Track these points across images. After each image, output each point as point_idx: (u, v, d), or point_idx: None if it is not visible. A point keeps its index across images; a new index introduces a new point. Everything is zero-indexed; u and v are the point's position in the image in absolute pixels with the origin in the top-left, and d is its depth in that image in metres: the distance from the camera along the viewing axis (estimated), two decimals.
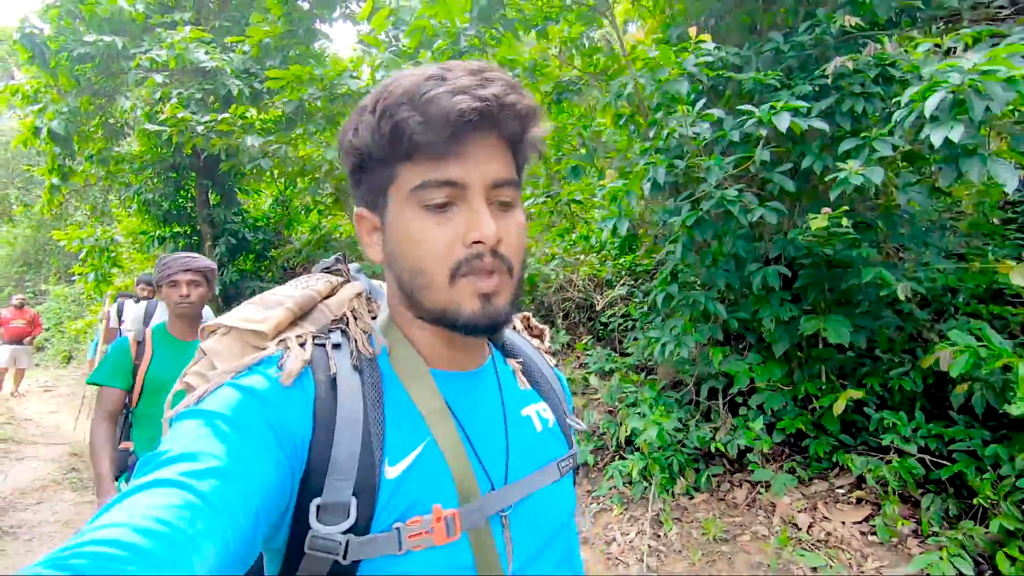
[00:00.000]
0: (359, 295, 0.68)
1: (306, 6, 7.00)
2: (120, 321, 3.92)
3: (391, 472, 0.55)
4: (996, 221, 3.29)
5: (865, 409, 3.07)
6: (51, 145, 6.32)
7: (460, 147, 0.53)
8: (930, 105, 2.15)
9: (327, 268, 0.73)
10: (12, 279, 16.39)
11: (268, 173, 6.31)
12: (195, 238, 9.33)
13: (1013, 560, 2.26)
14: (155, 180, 8.90)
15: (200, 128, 5.52)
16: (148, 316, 3.48)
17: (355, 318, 0.64)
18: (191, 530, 0.38)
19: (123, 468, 1.97)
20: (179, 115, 5.33)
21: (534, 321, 0.83)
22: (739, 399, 3.53)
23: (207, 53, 6.08)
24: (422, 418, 0.58)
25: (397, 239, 0.57)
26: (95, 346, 4.88)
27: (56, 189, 6.98)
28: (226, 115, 5.53)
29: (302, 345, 0.58)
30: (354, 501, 0.52)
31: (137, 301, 3.88)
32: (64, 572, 0.33)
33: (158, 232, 9.37)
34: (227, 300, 8.97)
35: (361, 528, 0.52)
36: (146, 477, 0.42)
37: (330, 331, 0.62)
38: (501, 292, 0.56)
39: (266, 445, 0.48)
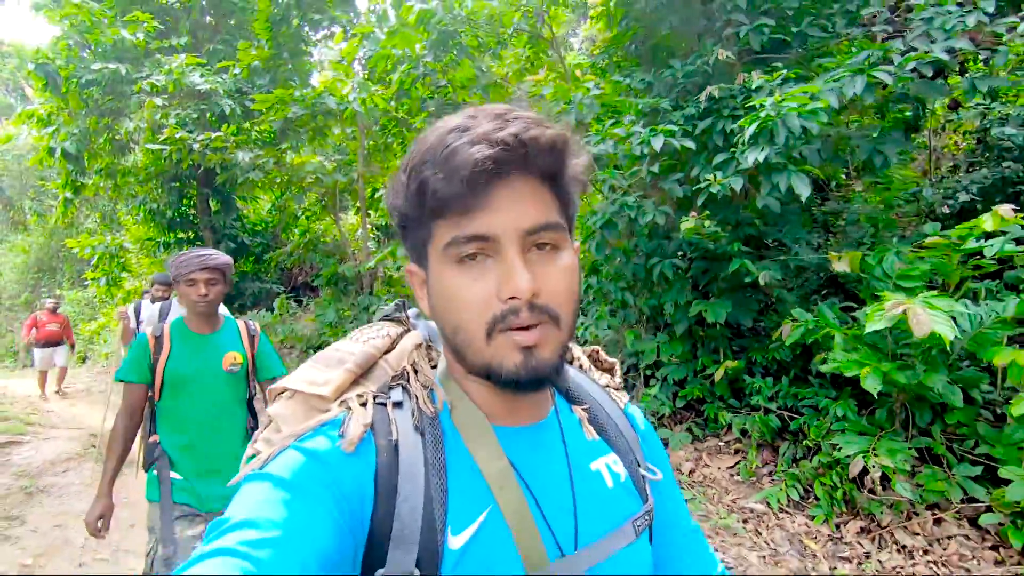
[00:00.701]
0: (419, 347, 0.66)
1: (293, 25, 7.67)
2: (138, 321, 4.17)
3: (454, 542, 0.53)
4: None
5: (744, 376, 3.69)
6: (64, 163, 7.02)
7: (486, 198, 0.51)
8: (748, 131, 2.76)
9: (387, 316, 0.71)
10: (28, 285, 17.24)
11: (259, 183, 6.96)
12: (198, 243, 10.03)
13: (825, 485, 2.89)
14: (159, 190, 9.60)
15: (196, 146, 6.20)
16: (163, 315, 3.89)
17: (415, 371, 0.63)
18: None
19: (151, 459, 2.01)
20: (177, 135, 6.01)
21: (603, 355, 0.78)
22: (648, 372, 4.16)
23: (202, 76, 6.75)
24: (486, 481, 0.56)
25: (437, 295, 0.56)
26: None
27: (69, 202, 7.70)
28: (219, 133, 6.19)
29: (363, 406, 0.57)
30: (417, 573, 0.51)
31: (153, 301, 4.19)
32: None
33: (163, 238, 10.08)
34: (229, 299, 9.65)
35: None
36: (210, 545, 0.43)
37: (391, 388, 0.61)
38: (545, 344, 0.53)
39: (326, 510, 0.48)
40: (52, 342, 8.34)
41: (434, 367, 0.65)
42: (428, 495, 0.53)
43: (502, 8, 4.99)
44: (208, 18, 8.02)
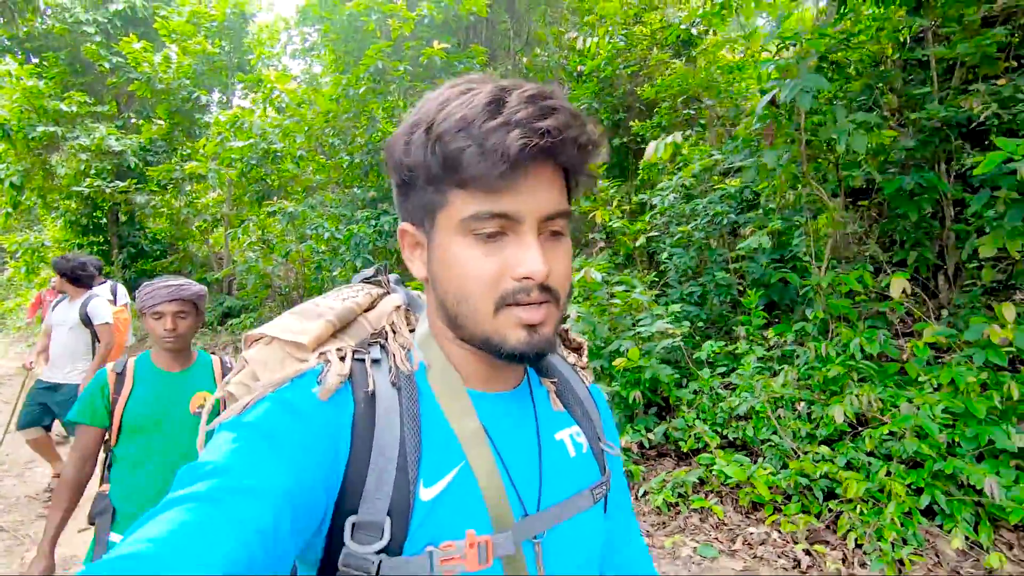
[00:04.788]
0: (398, 308, 0.67)
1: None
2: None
3: (426, 494, 0.55)
4: None
5: None
6: (10, 190, 10.12)
7: (515, 180, 0.52)
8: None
9: (367, 279, 0.72)
10: None
11: (153, 214, 10.36)
12: (106, 246, 13.08)
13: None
14: (77, 204, 12.66)
15: (108, 190, 9.57)
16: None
17: (394, 332, 0.64)
18: (208, 539, 0.40)
19: (95, 513, 1.73)
20: (96, 184, 9.37)
21: (572, 334, 0.80)
22: None
23: (117, 139, 10.10)
24: (457, 440, 0.58)
25: (444, 264, 0.57)
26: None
27: (10, 215, 10.74)
28: (124, 184, 9.59)
29: (342, 359, 0.58)
30: (388, 521, 0.52)
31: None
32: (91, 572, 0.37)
33: (78, 240, 13.06)
34: (127, 290, 12.73)
35: (394, 549, 0.52)
36: (184, 490, 0.44)
37: (369, 345, 0.62)
38: (547, 322, 0.56)
39: (301, 459, 0.49)
40: None
41: (412, 331, 0.67)
42: (403, 447, 0.55)
43: (298, 127, 8.72)
44: (126, 91, 11.33)
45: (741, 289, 5.07)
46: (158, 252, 13.90)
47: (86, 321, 3.56)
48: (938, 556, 2.62)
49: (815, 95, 3.67)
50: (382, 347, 0.62)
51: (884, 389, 3.25)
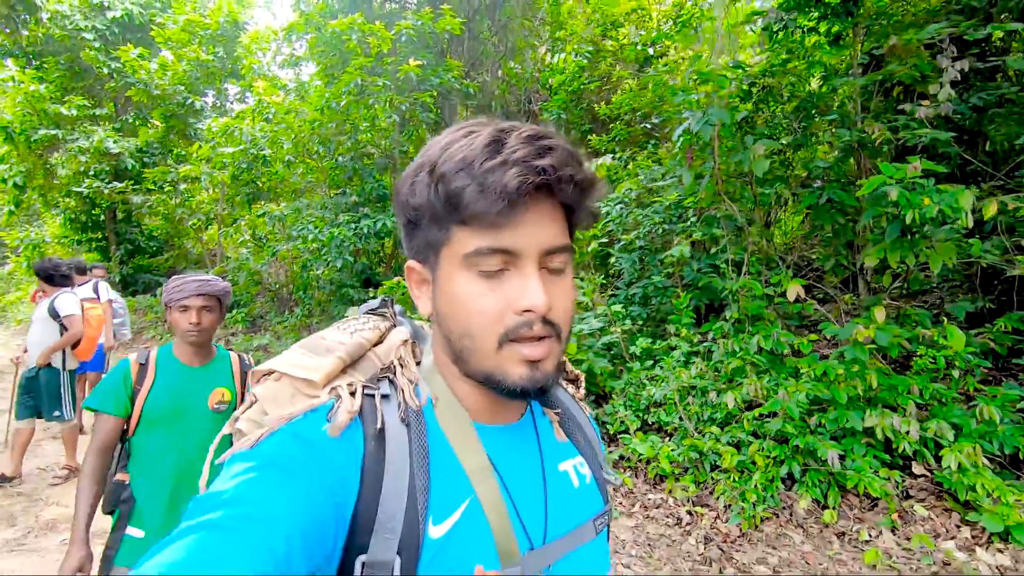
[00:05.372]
0: (405, 343, 0.68)
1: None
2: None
3: (435, 532, 0.55)
4: None
5: None
6: (13, 189, 10.64)
7: (515, 216, 0.53)
8: None
9: (372, 310, 0.74)
10: None
11: (149, 213, 10.89)
12: (104, 243, 13.60)
13: None
14: (76, 202, 13.18)
15: (106, 191, 10.09)
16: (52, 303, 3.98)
17: (402, 366, 0.65)
18: (222, 565, 0.41)
19: (116, 502, 1.74)
20: (95, 185, 9.89)
21: (570, 367, 0.81)
22: None
23: (115, 142, 10.61)
24: (466, 475, 0.59)
25: (447, 300, 0.58)
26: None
27: (12, 213, 11.26)
28: (122, 185, 10.11)
29: (352, 395, 0.59)
30: (398, 560, 0.52)
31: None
32: None
33: (77, 237, 13.58)
34: (125, 285, 13.30)
35: None
36: (196, 520, 0.44)
37: (378, 380, 0.63)
38: (549, 358, 0.57)
39: (313, 493, 0.49)
40: None
41: (418, 364, 0.67)
42: (412, 485, 0.55)
43: (286, 133, 9.24)
44: (124, 95, 11.83)
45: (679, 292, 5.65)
46: (154, 248, 14.44)
47: (54, 314, 3.95)
48: (791, 515, 3.21)
49: (727, 123, 4.23)
50: (391, 382, 0.63)
51: (771, 379, 3.83)
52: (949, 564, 2.61)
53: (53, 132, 10.38)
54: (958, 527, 2.87)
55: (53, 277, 4.09)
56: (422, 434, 0.59)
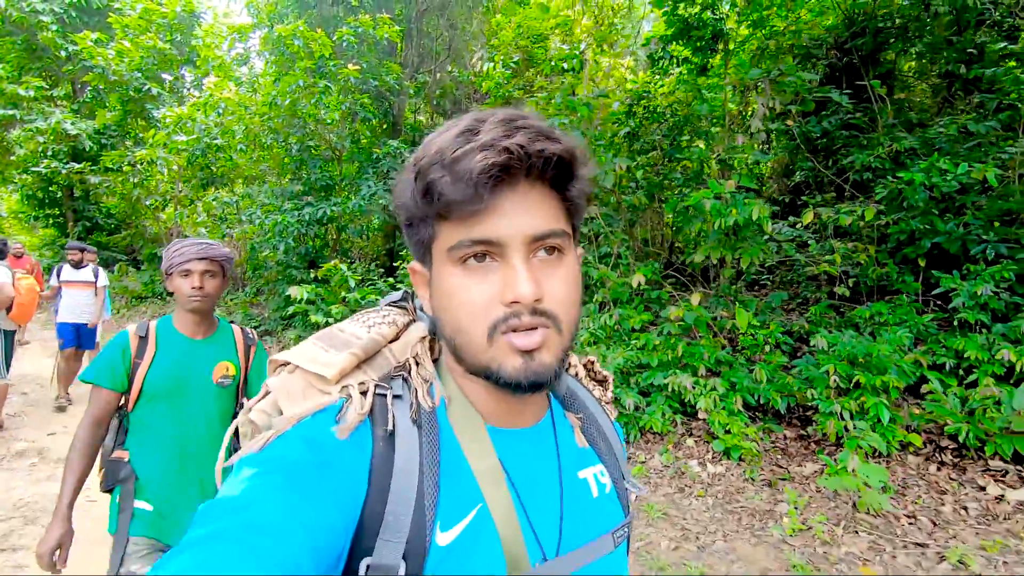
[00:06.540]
0: (423, 339, 0.66)
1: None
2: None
3: (442, 539, 0.54)
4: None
5: None
6: None
7: (495, 203, 0.52)
8: None
9: (394, 302, 0.72)
10: None
11: (106, 193, 11.42)
12: (61, 219, 14.00)
13: None
14: (33, 179, 13.53)
15: (64, 172, 10.60)
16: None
17: (417, 365, 0.63)
18: None
19: (115, 480, 1.68)
20: (52, 165, 10.40)
21: (598, 367, 0.79)
22: None
23: (72, 124, 11.07)
24: (475, 480, 0.57)
25: (439, 296, 0.58)
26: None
27: None
28: (79, 165, 10.63)
29: (363, 394, 0.58)
30: (403, 565, 0.51)
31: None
32: None
33: (34, 213, 13.95)
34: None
35: None
36: (205, 528, 0.44)
37: (392, 379, 0.61)
38: (545, 348, 0.54)
39: (321, 498, 0.49)
40: None
41: (435, 360, 0.66)
42: (421, 490, 0.54)
43: (237, 122, 9.90)
44: (82, 79, 12.23)
45: None
46: (112, 226, 14.87)
47: None
48: None
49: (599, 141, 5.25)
50: (404, 381, 0.61)
51: (607, 349, 4.90)
52: (684, 473, 3.72)
53: (11, 112, 10.79)
54: (708, 453, 3.98)
55: None
56: (434, 437, 0.58)
